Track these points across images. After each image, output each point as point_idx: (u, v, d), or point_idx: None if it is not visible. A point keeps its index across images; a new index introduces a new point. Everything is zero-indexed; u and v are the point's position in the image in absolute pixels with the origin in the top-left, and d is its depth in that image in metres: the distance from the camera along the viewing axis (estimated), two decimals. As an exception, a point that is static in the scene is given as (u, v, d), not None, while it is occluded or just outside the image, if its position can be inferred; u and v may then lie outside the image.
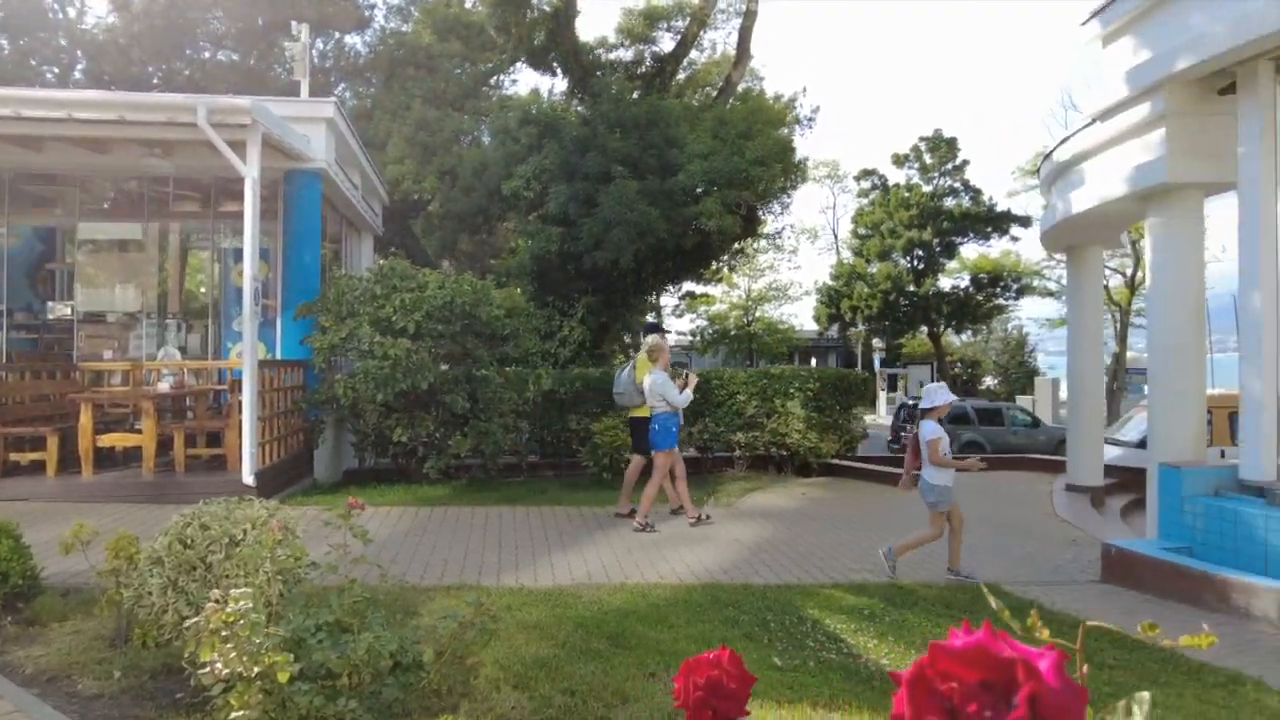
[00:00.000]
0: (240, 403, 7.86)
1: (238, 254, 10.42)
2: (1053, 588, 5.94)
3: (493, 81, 15.13)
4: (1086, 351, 10.72)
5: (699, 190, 11.32)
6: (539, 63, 13.56)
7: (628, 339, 18.46)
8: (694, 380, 8.14)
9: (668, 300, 31.94)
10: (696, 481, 10.52)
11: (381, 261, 11.72)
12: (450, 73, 13.98)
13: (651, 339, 8.18)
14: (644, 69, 13.61)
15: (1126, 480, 10.68)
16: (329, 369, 9.57)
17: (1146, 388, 7.92)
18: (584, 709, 3.56)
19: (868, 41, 78.39)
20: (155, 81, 15.63)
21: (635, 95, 13.29)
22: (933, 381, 11.03)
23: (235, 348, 10.35)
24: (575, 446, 10.90)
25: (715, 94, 14.51)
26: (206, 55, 16.39)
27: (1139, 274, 29.01)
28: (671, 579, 5.90)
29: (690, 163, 10.86)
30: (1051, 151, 9.15)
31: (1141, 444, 10.77)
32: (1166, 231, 7.19)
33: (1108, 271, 28.46)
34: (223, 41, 16.14)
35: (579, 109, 12.78)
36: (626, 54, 13.78)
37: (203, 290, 11.71)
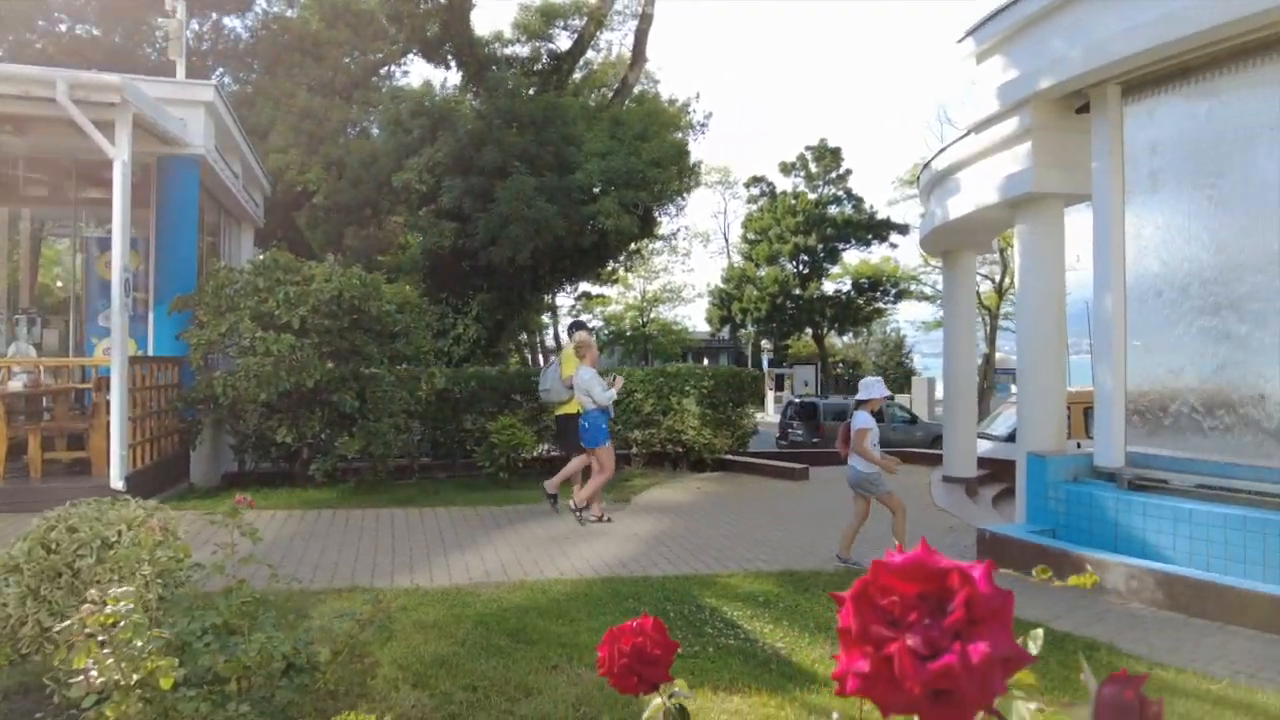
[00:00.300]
0: (108, 402, 7.33)
1: (103, 243, 9.71)
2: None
3: (383, 72, 14.68)
4: (961, 352, 11.41)
5: (596, 189, 11.35)
6: (432, 55, 13.27)
7: (524, 338, 18.31)
8: (620, 381, 8.17)
9: (564, 300, 31.89)
10: (593, 479, 10.57)
11: (263, 254, 11.19)
12: (338, 61, 13.49)
13: (580, 335, 8.21)
14: (541, 66, 13.54)
15: (997, 471, 11.42)
16: (206, 366, 9.05)
17: (1014, 386, 8.47)
18: (486, 704, 3.53)
19: (757, 52, 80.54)
20: None
21: (532, 92, 13.19)
22: (821, 380, 11.42)
23: (101, 343, 9.64)
24: (471, 447, 10.71)
25: (612, 95, 14.59)
26: (63, 28, 15.20)
27: (1006, 280, 31.04)
28: (571, 574, 5.91)
29: (588, 161, 10.87)
30: (931, 160, 9.69)
31: (1010, 438, 11.54)
32: (1033, 237, 7.74)
33: (979, 278, 30.32)
34: (83, 14, 15.00)
35: (474, 103, 12.58)
36: (523, 50, 13.68)
37: (60, 284, 10.85)
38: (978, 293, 29.10)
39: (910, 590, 0.63)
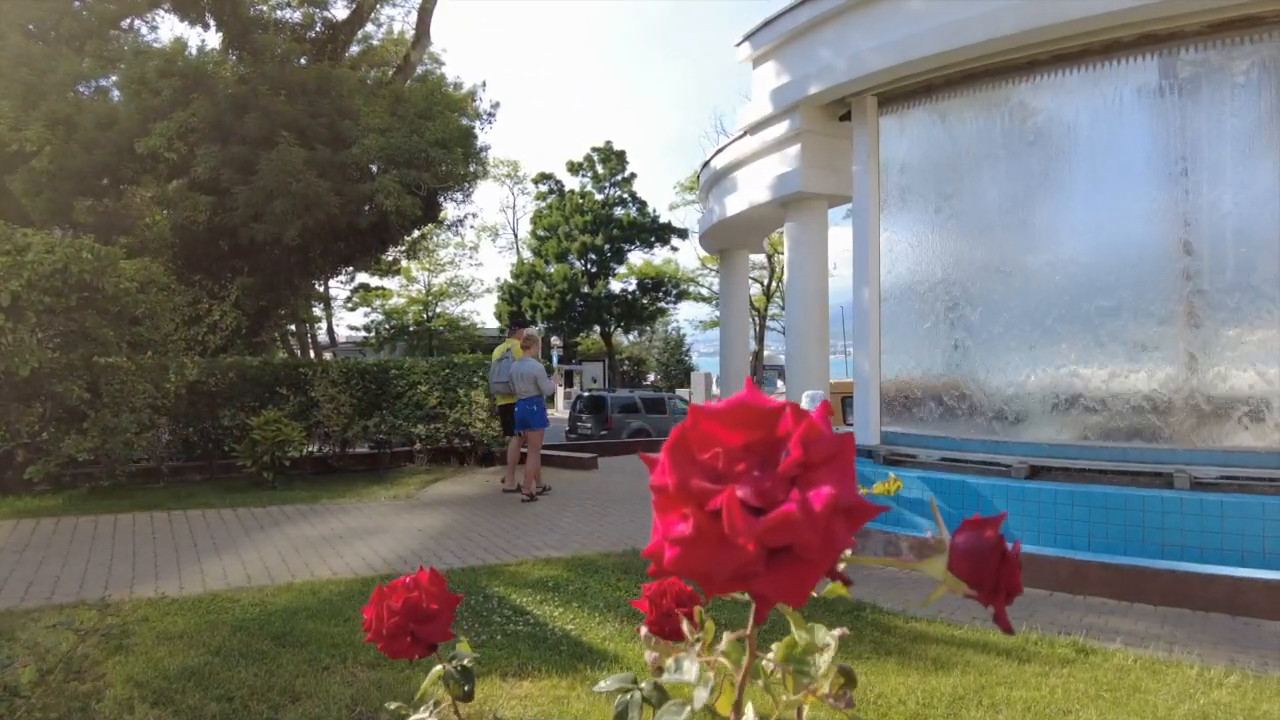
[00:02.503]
0: None
1: None
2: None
3: (125, 25, 12.90)
4: (736, 346, 12.09)
5: (375, 168, 10.68)
6: (187, 11, 11.83)
7: (294, 327, 16.92)
8: (556, 375, 8.61)
9: (340, 291, 29.95)
10: (374, 478, 9.96)
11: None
12: (66, 4, 11.64)
13: (529, 330, 9.07)
14: (315, 34, 12.54)
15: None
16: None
17: (780, 382, 9.11)
18: (244, 713, 3.14)
19: (548, 53, 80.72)
20: None
21: (304, 61, 12.19)
22: (600, 375, 11.57)
23: None
24: (230, 446, 9.68)
25: (393, 72, 13.86)
26: None
27: (774, 284, 33.40)
28: (346, 573, 5.49)
29: (366, 136, 10.18)
30: (711, 159, 10.11)
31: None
32: (800, 234, 8.31)
33: (750, 280, 32.37)
34: None
35: (237, 66, 11.38)
36: (294, 15, 12.58)
37: None
38: (750, 296, 31.07)
39: (735, 439, 0.55)
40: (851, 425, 8.18)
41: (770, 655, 0.80)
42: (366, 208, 10.24)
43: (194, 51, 11.62)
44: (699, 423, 0.56)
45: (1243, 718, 3.19)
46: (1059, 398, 6.31)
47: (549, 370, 12.64)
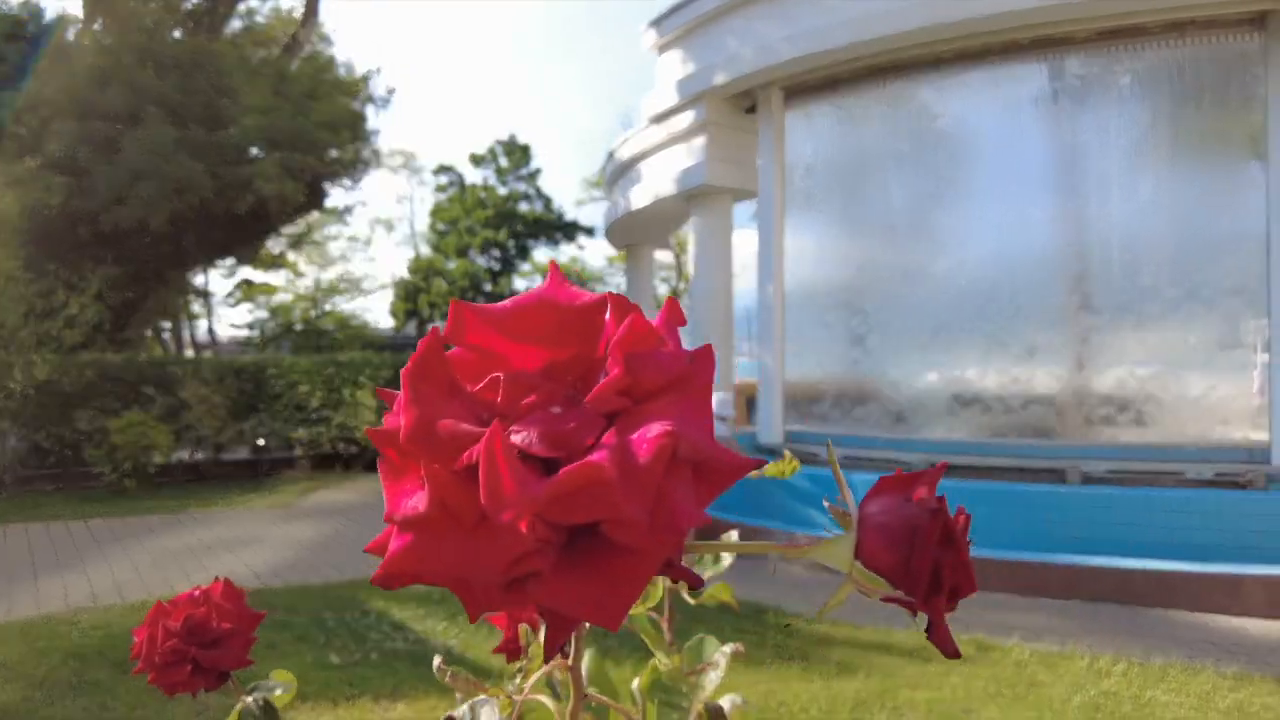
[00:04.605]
0: None
1: None
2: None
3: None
4: (641, 342, 11.91)
5: (255, 150, 9.93)
6: (41, -27, 10.75)
7: (167, 323, 15.75)
8: None
9: (220, 286, 28.26)
10: (251, 485, 9.26)
11: None
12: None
13: None
14: (190, 5, 11.62)
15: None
16: None
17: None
18: (59, 763, 2.68)
19: (454, 44, 79.02)
20: None
21: (178, 35, 11.28)
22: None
23: None
24: (91, 451, 8.79)
25: (280, 52, 13.03)
26: None
27: (682, 283, 33.57)
28: (209, 589, 4.96)
29: (245, 116, 9.45)
30: (616, 150, 9.87)
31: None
32: (706, 229, 8.17)
33: (657, 281, 32.43)
34: None
35: (102, 36, 10.41)
36: (166, -17, 11.62)
37: None
38: (656, 295, 31.10)
39: (529, 359, 0.30)
40: (755, 425, 8.12)
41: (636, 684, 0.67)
42: (246, 193, 9.51)
43: (51, 17, 10.57)
44: (465, 329, 0.30)
45: (1130, 705, 3.27)
46: (959, 397, 6.39)
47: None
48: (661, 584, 0.65)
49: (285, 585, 5.14)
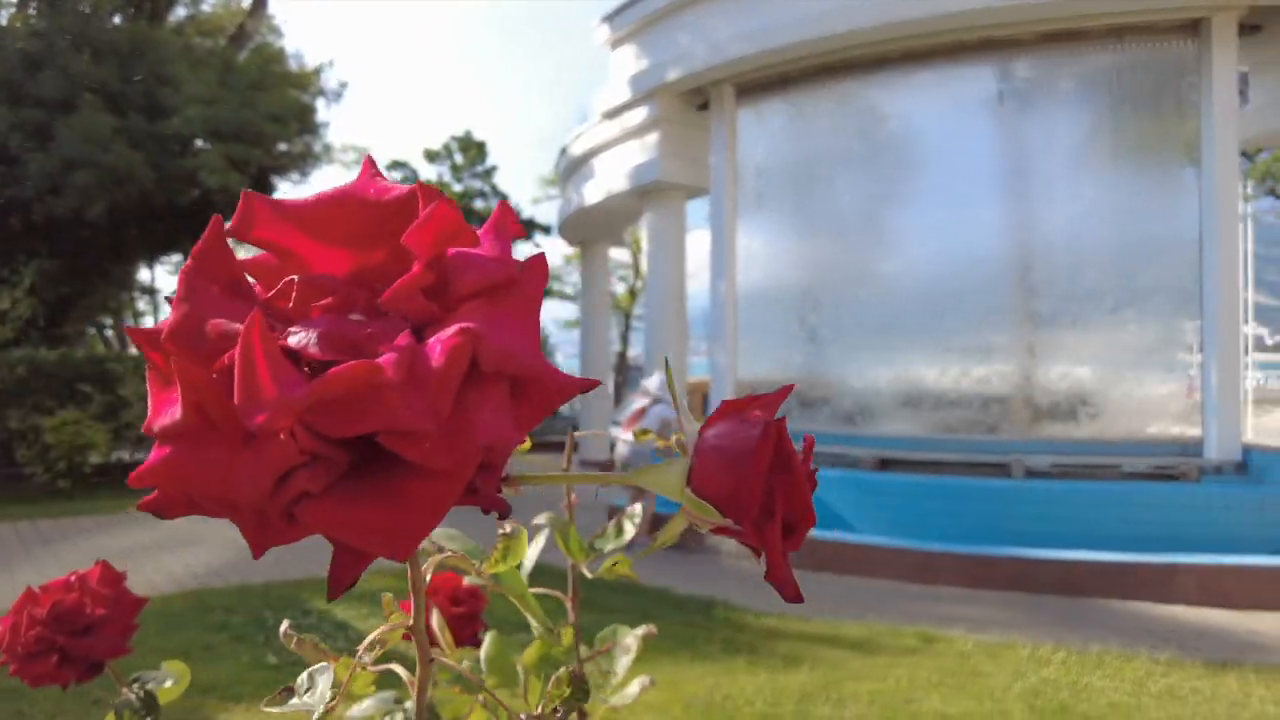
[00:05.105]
0: None
1: None
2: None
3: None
4: (597, 342, 11.90)
5: (199, 142, 9.64)
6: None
7: (108, 320, 15.24)
8: None
9: (167, 282, 27.42)
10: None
11: None
12: None
13: None
14: (131, -9, 11.26)
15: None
16: None
17: (644, 381, 8.99)
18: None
19: (410, 41, 78.21)
20: None
21: (118, 20, 10.91)
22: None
23: None
24: (21, 451, 8.45)
25: (226, 42, 12.69)
26: None
27: (638, 282, 33.55)
28: (144, 590, 4.79)
29: (189, 106, 9.17)
30: (569, 145, 9.81)
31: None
32: (659, 226, 8.16)
33: (614, 280, 32.36)
34: None
35: (35, 20, 10.02)
36: (105, -32, 11.22)
37: None
38: (614, 294, 31.07)
39: (333, 262, 0.28)
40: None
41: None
42: (189, 185, 9.23)
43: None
44: (254, 222, 0.29)
45: (1068, 692, 3.34)
46: (908, 394, 6.48)
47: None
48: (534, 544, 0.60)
49: (225, 585, 5.01)
